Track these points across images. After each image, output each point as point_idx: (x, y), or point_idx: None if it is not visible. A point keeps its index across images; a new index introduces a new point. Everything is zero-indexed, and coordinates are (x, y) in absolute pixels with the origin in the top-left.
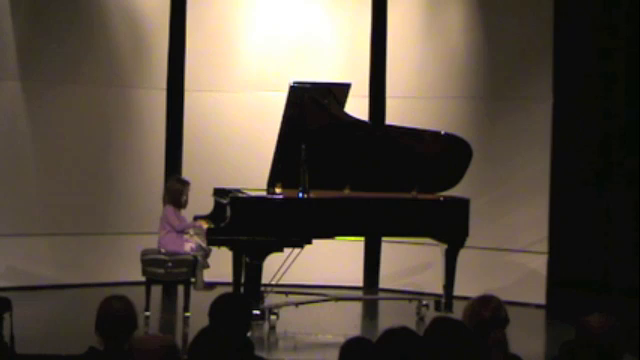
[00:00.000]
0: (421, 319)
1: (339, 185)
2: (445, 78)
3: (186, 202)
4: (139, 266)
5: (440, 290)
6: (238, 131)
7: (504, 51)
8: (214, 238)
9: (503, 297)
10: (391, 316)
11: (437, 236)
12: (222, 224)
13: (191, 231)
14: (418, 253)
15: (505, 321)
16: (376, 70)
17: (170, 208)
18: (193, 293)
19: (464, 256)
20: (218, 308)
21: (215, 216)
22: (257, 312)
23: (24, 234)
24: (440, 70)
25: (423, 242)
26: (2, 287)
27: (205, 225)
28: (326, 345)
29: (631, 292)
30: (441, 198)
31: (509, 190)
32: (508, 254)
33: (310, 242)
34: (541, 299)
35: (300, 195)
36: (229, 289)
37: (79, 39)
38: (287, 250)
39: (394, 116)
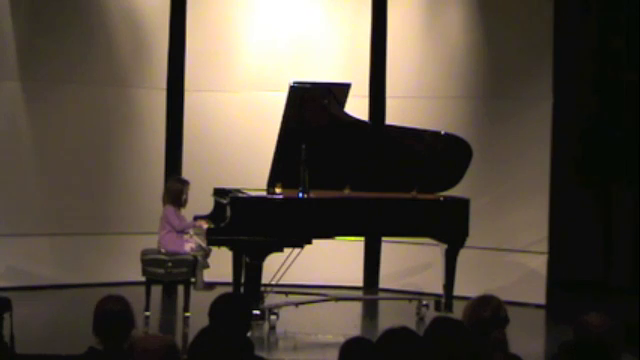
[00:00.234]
0: (421, 319)
1: (339, 185)
2: (445, 78)
3: (186, 202)
4: (139, 266)
5: (440, 290)
6: (238, 131)
7: (504, 51)
8: (214, 238)
9: (503, 297)
10: (391, 316)
11: (437, 236)
12: (222, 224)
13: (191, 231)
14: (418, 253)
15: (505, 321)
16: (376, 70)
17: (170, 208)
18: (193, 293)
19: (464, 256)
20: (218, 308)
21: (215, 216)
22: (257, 312)
23: (24, 234)
24: (440, 70)
25: (423, 242)
26: (2, 287)
27: (205, 225)
28: (326, 345)
29: (631, 292)
30: (441, 198)
31: (509, 190)
32: (508, 254)
33: (310, 242)
34: (541, 299)
35: (300, 195)
36: (229, 289)
37: (79, 39)
38: (287, 250)
39: (394, 116)
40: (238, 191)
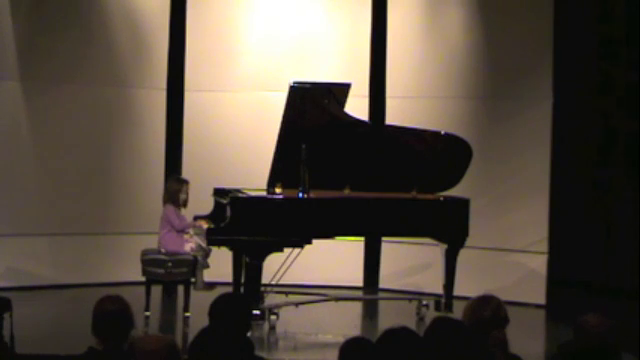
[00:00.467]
0: (421, 319)
1: (339, 185)
2: (445, 78)
3: (186, 201)
4: (139, 266)
5: (440, 290)
6: (238, 131)
7: (504, 51)
8: (214, 238)
9: (503, 297)
10: (391, 316)
11: (437, 236)
12: (222, 224)
13: (191, 231)
14: (418, 253)
15: (505, 321)
16: (376, 70)
17: (170, 207)
18: (193, 293)
19: (464, 256)
20: (218, 308)
21: (215, 216)
22: (257, 312)
23: (24, 234)
24: (440, 70)
25: (423, 242)
26: (2, 287)
27: (205, 225)
28: (326, 345)
29: (631, 292)
30: (441, 198)
31: (509, 190)
32: (508, 254)
33: (310, 242)
34: (541, 299)
35: (300, 195)
36: (229, 289)
37: (79, 39)
38: (287, 250)
39: (394, 116)
40: (238, 191)
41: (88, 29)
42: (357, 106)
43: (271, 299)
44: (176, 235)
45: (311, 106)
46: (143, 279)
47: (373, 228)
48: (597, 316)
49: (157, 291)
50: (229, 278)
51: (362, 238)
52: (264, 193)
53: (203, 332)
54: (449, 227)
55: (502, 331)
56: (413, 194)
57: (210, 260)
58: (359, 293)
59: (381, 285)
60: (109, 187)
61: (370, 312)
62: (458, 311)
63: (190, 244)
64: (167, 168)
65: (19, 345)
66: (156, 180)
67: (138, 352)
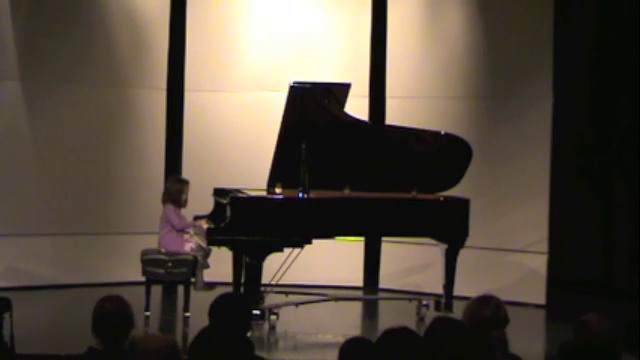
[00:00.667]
0: (421, 319)
1: (339, 185)
2: (445, 78)
3: (186, 201)
4: (139, 266)
5: (440, 290)
6: (238, 131)
7: (504, 51)
8: (214, 238)
9: (503, 297)
10: (391, 316)
11: (437, 236)
12: (222, 224)
13: (191, 231)
14: (418, 253)
15: (505, 321)
16: (376, 70)
17: (170, 207)
18: (193, 293)
19: (464, 256)
20: (218, 308)
21: (215, 216)
22: (257, 312)
23: (24, 234)
24: (440, 70)
25: (423, 242)
26: (2, 287)
27: (205, 225)
28: (326, 345)
29: (631, 292)
30: (441, 198)
31: (509, 190)
32: (508, 254)
33: (310, 242)
34: (541, 299)
35: (300, 195)
36: (229, 289)
37: (79, 39)
38: (287, 250)
39: (394, 116)
40: (238, 191)
41: (88, 29)
42: (357, 106)
43: (271, 299)
44: (176, 235)
45: (311, 106)
46: (143, 279)
47: (373, 228)
48: (598, 316)
49: (157, 291)
50: (229, 278)
51: (362, 238)
52: (264, 193)
53: (203, 332)
54: (449, 227)
55: (502, 331)
56: (413, 194)
57: (210, 260)
58: (359, 293)
59: (381, 285)
60: (109, 187)
61: (370, 312)
62: (458, 311)
63: (190, 244)
64: (167, 168)
65: (19, 345)
66: (156, 180)
67: (138, 352)
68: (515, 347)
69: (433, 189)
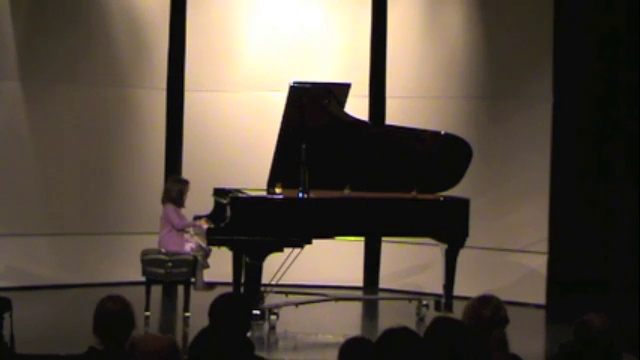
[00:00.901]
0: (421, 319)
1: (339, 185)
2: (445, 78)
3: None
4: (139, 266)
5: (440, 290)
6: (238, 131)
7: (504, 51)
8: (214, 238)
9: (503, 297)
10: (391, 316)
11: (437, 236)
12: (222, 224)
13: (191, 231)
14: (418, 253)
15: (505, 321)
16: (376, 70)
17: (170, 206)
18: (193, 293)
19: (464, 256)
20: (218, 308)
21: (215, 216)
22: (257, 312)
23: (24, 234)
24: (440, 70)
25: (423, 242)
26: (2, 287)
27: (205, 225)
28: (326, 345)
29: (631, 292)
30: (441, 198)
31: (509, 190)
32: (508, 254)
33: (310, 242)
34: (541, 299)
35: (300, 195)
36: (229, 289)
37: (79, 39)
38: (287, 250)
39: (394, 116)
40: (238, 191)
41: (88, 29)
42: (357, 106)
43: (271, 299)
44: (176, 235)
45: (311, 106)
46: (143, 279)
47: (373, 228)
48: (598, 316)
49: (157, 291)
50: (229, 278)
51: (362, 238)
52: (264, 193)
53: (203, 332)
54: (449, 227)
55: (502, 331)
56: (413, 194)
57: (210, 260)
58: (359, 293)
59: (381, 285)
60: (109, 187)
61: (370, 312)
62: (458, 311)
63: (190, 244)
64: (167, 168)
65: (19, 345)
66: (156, 180)
67: (139, 352)
68: (515, 347)
69: (433, 189)
